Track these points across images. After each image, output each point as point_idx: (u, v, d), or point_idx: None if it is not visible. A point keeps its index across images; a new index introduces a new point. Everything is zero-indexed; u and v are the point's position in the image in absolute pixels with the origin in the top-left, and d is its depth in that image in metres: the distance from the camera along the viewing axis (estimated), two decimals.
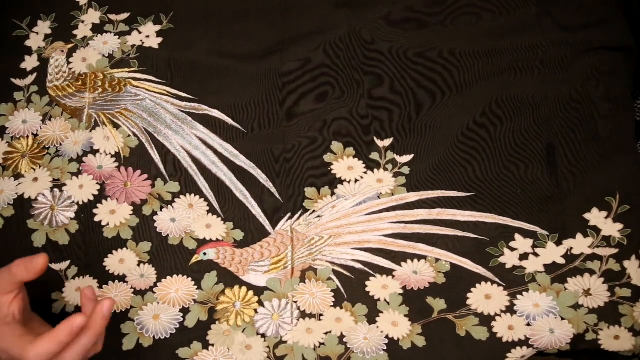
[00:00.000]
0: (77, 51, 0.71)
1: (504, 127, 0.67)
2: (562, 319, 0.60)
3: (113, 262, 0.63)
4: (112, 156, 0.67)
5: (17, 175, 0.66)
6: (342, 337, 0.60)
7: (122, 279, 0.62)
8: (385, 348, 0.59)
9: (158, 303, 0.61)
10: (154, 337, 0.60)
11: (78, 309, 0.61)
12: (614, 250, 0.62)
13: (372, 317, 0.61)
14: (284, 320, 0.61)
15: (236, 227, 0.64)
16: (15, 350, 0.49)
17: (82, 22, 0.73)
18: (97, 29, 0.73)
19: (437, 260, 0.63)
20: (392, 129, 0.68)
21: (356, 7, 0.73)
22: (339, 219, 0.65)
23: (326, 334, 0.60)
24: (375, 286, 0.62)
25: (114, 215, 0.64)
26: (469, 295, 0.61)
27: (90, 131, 0.68)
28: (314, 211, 0.65)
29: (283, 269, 0.63)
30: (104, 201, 0.65)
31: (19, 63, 0.71)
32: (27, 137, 0.68)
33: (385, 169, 0.66)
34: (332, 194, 0.65)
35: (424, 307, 0.61)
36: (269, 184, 0.66)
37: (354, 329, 0.60)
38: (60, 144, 0.67)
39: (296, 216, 0.65)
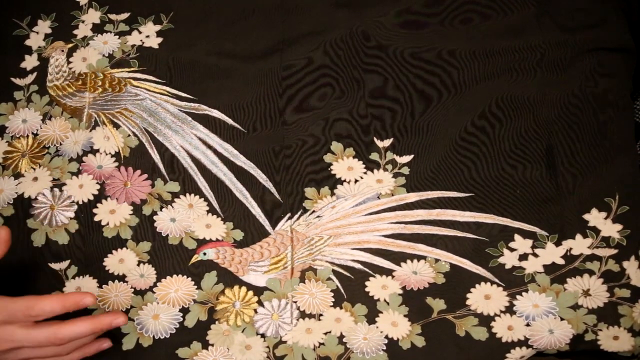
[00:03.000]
0: (77, 51, 0.72)
1: (503, 128, 0.67)
2: (562, 319, 0.60)
3: (113, 262, 0.63)
4: (112, 156, 0.67)
5: (17, 175, 0.66)
6: (341, 337, 0.60)
7: (121, 278, 0.62)
8: (384, 348, 0.59)
9: (158, 303, 0.61)
10: (153, 336, 0.60)
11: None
12: (613, 251, 0.62)
13: (371, 317, 0.61)
14: (283, 320, 0.61)
15: (236, 227, 0.64)
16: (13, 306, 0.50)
17: (82, 21, 0.73)
18: (97, 29, 0.73)
19: (437, 260, 0.63)
20: (392, 130, 0.68)
21: (356, 8, 0.73)
22: (338, 219, 0.65)
23: (326, 334, 0.60)
24: (375, 286, 0.62)
25: (113, 215, 0.64)
26: (468, 295, 0.61)
27: (90, 131, 0.68)
28: (313, 211, 0.65)
29: (283, 269, 0.63)
30: (103, 201, 0.65)
31: (19, 62, 0.71)
32: (27, 136, 0.68)
33: (385, 170, 0.66)
34: (332, 194, 0.66)
35: (423, 307, 0.61)
36: (268, 184, 0.66)
37: (353, 329, 0.60)
38: (60, 144, 0.67)
39: (296, 216, 0.65)
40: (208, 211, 0.65)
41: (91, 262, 0.63)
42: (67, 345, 0.53)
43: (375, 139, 0.67)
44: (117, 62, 0.71)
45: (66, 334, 0.51)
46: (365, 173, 0.66)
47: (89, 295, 0.52)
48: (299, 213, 0.65)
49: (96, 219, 0.64)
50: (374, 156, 0.67)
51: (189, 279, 0.62)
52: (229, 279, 0.62)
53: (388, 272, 0.62)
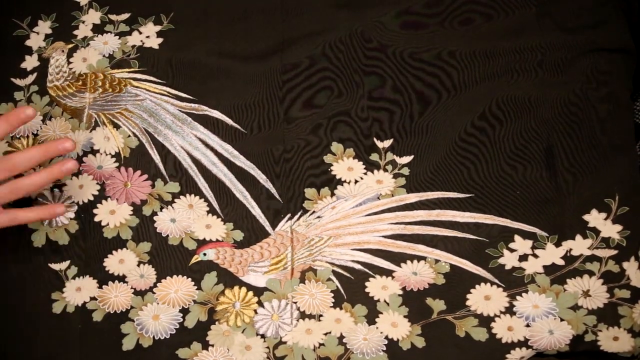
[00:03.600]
0: (78, 51, 0.72)
1: (503, 129, 0.67)
2: (561, 320, 0.60)
3: (113, 262, 0.63)
4: (112, 156, 0.67)
5: (17, 175, 0.66)
6: (341, 337, 0.60)
7: (122, 279, 0.62)
8: (384, 349, 0.60)
9: (158, 303, 0.61)
10: (153, 337, 0.60)
11: (78, 309, 0.61)
12: (613, 252, 0.62)
13: (371, 317, 0.61)
14: (283, 321, 0.61)
15: (236, 228, 0.64)
16: None
17: (83, 22, 0.73)
18: (98, 29, 0.73)
19: (437, 261, 0.63)
20: (392, 130, 0.68)
21: (356, 8, 0.73)
22: (338, 220, 0.65)
23: (326, 334, 0.60)
24: (375, 287, 0.62)
25: (113, 216, 0.64)
26: (468, 296, 0.61)
27: (91, 131, 0.68)
28: (313, 212, 0.65)
29: (283, 270, 0.63)
30: (103, 201, 0.65)
31: (19, 63, 0.71)
32: (27, 136, 0.68)
33: (385, 170, 0.66)
34: (332, 194, 0.66)
35: (423, 308, 0.61)
36: (268, 185, 0.66)
37: (353, 330, 0.60)
38: None
39: (296, 217, 0.65)
40: (208, 212, 0.65)
41: (91, 263, 0.63)
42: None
43: (375, 140, 0.68)
44: (118, 62, 0.71)
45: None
46: (365, 174, 0.66)
47: (68, 140, 0.55)
48: (299, 214, 0.65)
49: (96, 219, 0.64)
50: (374, 157, 0.67)
51: (189, 279, 0.62)
52: (229, 279, 0.62)
53: (388, 273, 0.62)
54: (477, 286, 0.62)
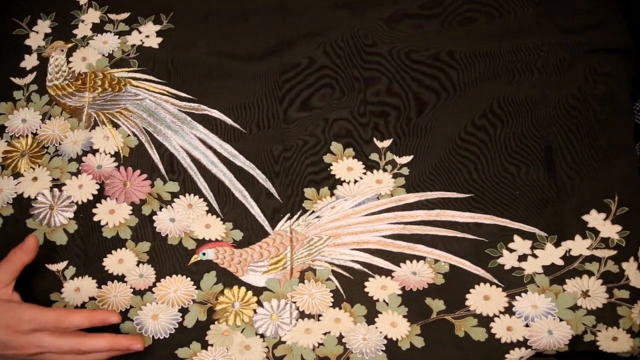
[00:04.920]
0: (77, 50, 0.71)
1: (503, 129, 0.67)
2: (561, 320, 0.60)
3: (112, 262, 0.63)
4: (112, 156, 0.67)
5: (17, 175, 0.66)
6: (341, 337, 0.60)
7: (121, 279, 0.62)
8: (384, 349, 0.60)
9: (157, 303, 0.61)
10: (153, 337, 0.60)
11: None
12: (613, 252, 0.62)
13: (371, 317, 0.61)
14: (282, 321, 0.61)
15: (235, 227, 0.64)
16: (33, 315, 0.54)
17: (82, 21, 0.73)
18: (97, 29, 0.73)
19: (436, 261, 0.63)
20: (392, 130, 0.68)
21: (356, 8, 0.73)
22: (338, 220, 0.65)
23: (325, 334, 0.60)
24: (374, 287, 0.62)
25: (113, 215, 0.64)
26: (467, 296, 0.61)
27: (90, 131, 0.68)
28: (313, 212, 0.65)
29: (282, 270, 0.63)
30: (103, 201, 0.65)
31: (19, 62, 0.71)
32: (27, 136, 0.68)
33: (385, 170, 0.66)
34: (332, 194, 0.66)
35: (422, 308, 0.61)
36: (268, 185, 0.66)
37: (352, 330, 0.60)
38: (60, 144, 0.67)
39: (295, 216, 0.65)
40: (207, 211, 0.65)
41: (90, 263, 0.63)
42: (88, 357, 0.57)
43: (374, 140, 0.68)
44: (117, 61, 0.71)
45: (88, 347, 0.55)
46: (364, 173, 0.66)
47: (114, 315, 0.56)
48: (299, 213, 0.65)
49: (95, 219, 0.64)
50: (374, 157, 0.67)
51: (189, 279, 0.62)
52: (228, 279, 0.62)
53: (387, 273, 0.62)
54: (476, 286, 0.62)
